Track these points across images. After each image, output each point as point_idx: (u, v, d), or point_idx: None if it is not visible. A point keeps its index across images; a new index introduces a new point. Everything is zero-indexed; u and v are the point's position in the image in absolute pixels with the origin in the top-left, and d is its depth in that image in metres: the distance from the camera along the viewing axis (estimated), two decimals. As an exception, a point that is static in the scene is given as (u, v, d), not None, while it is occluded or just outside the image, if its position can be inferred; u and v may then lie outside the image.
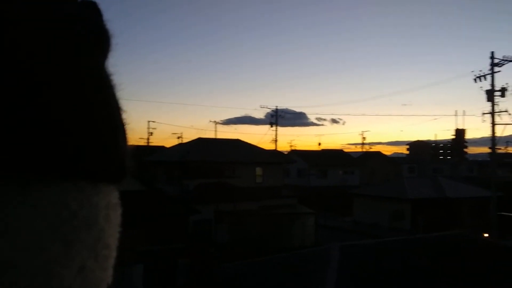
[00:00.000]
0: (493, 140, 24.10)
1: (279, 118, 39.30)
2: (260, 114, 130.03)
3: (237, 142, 30.07)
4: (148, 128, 46.01)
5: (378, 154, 57.44)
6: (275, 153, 33.96)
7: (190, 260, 13.89)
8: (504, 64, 24.10)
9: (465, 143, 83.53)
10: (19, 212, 0.28)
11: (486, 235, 21.81)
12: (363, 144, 69.60)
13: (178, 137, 53.16)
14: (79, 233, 0.30)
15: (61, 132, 0.29)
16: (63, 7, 0.32)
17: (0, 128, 0.26)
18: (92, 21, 0.34)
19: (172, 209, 17.13)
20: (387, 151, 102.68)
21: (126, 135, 0.34)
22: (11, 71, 0.27)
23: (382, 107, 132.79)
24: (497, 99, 23.99)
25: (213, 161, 25.23)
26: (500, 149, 28.21)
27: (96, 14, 0.36)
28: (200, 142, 28.38)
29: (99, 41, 0.34)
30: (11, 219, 0.27)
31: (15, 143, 0.27)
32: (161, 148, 39.99)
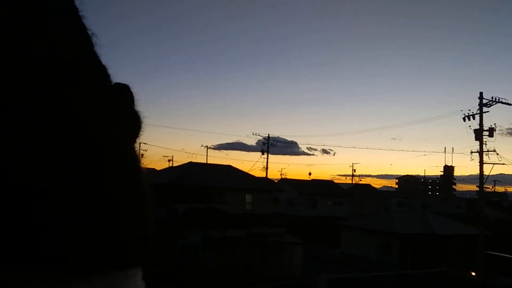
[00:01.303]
0: (481, 179, 24.43)
1: (270, 146, 39.54)
2: (251, 141, 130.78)
3: (228, 168, 30.10)
4: (140, 150, 45.89)
5: (368, 186, 57.68)
6: (265, 180, 33.97)
7: (176, 286, 13.69)
8: (492, 105, 24.70)
9: (454, 180, 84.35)
10: None
11: (473, 273, 21.78)
12: (353, 176, 70.02)
13: (169, 160, 53.04)
14: None
15: (95, 227, 0.29)
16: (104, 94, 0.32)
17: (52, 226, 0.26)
18: (125, 106, 0.34)
19: (160, 233, 16.96)
20: (377, 184, 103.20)
21: (152, 215, 0.35)
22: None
23: (372, 140, 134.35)
24: (485, 138, 24.46)
25: (203, 186, 25.16)
26: (488, 187, 28.60)
27: (130, 98, 0.36)
28: (191, 166, 28.35)
29: (134, 129, 0.35)
30: None
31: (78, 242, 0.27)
32: (152, 170, 39.82)
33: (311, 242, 30.16)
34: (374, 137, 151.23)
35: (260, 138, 40.80)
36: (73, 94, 0.31)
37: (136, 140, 0.36)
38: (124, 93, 0.36)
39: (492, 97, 24.68)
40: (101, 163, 0.31)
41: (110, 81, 0.37)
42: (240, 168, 32.07)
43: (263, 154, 39.33)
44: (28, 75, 0.29)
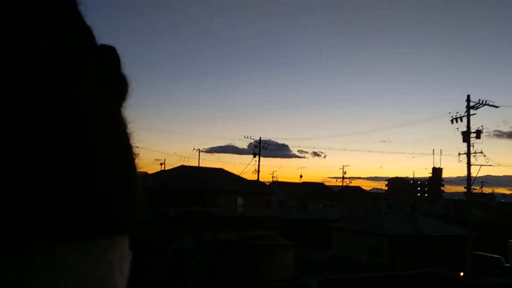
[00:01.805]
0: (469, 180, 24.83)
1: (262, 149, 39.68)
2: (243, 144, 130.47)
3: (220, 171, 30.15)
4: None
5: (358, 189, 58.11)
6: (257, 183, 34.07)
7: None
8: (479, 107, 25.13)
9: (442, 182, 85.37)
10: (47, 277, 0.28)
11: (461, 273, 22.13)
12: (343, 178, 70.47)
13: (161, 164, 52.85)
14: None
15: (84, 193, 0.29)
16: (84, 53, 0.32)
17: (21, 195, 0.26)
18: (112, 69, 0.34)
19: (152, 237, 16.97)
20: (367, 186, 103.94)
21: (139, 183, 0.35)
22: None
23: (362, 142, 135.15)
24: (472, 140, 24.88)
25: (195, 189, 25.18)
26: (475, 189, 29.04)
27: (116, 61, 0.35)
28: (183, 170, 28.35)
29: (119, 92, 0.34)
30: (39, 284, 0.28)
31: (39, 209, 0.27)
32: (143, 174, 39.65)
33: (302, 244, 30.30)
34: (364, 139, 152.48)
35: (252, 141, 40.95)
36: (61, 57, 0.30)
37: (124, 103, 0.35)
38: (111, 56, 0.35)
39: (479, 100, 25.13)
40: (87, 128, 0.30)
41: (95, 43, 0.36)
42: (231, 171, 32.13)
43: (254, 157, 39.46)
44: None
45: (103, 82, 0.33)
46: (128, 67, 0.36)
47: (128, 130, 0.34)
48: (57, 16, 0.33)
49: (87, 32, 0.35)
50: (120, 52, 0.36)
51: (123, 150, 0.33)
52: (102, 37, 0.36)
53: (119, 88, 0.34)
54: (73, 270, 0.29)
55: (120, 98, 0.35)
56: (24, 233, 0.27)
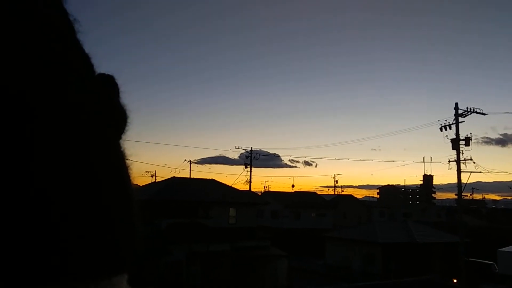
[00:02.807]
0: (459, 187, 24.95)
1: (253, 159, 39.58)
2: (234, 155, 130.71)
3: (211, 182, 29.97)
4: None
5: (350, 197, 58.18)
6: (249, 194, 33.91)
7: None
8: (467, 115, 25.38)
9: (433, 189, 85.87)
10: None
11: (455, 280, 22.13)
12: (335, 187, 70.55)
13: (152, 176, 52.45)
14: None
15: (88, 234, 0.27)
16: (85, 85, 0.30)
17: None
18: (111, 100, 0.32)
19: (143, 250, 16.71)
20: (359, 194, 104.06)
21: (139, 218, 0.33)
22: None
23: (353, 151, 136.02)
24: (462, 147, 25.06)
25: (187, 200, 24.96)
26: (466, 195, 29.22)
27: (115, 91, 0.34)
28: (174, 181, 28.13)
29: (119, 124, 0.33)
30: None
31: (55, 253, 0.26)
32: (134, 186, 39.27)
33: (295, 254, 30.13)
34: (355, 148, 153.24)
35: (243, 151, 40.81)
36: (63, 89, 0.29)
37: (123, 135, 0.34)
38: (109, 85, 0.34)
39: (467, 108, 25.38)
40: (90, 163, 0.29)
41: (94, 72, 0.34)
42: (223, 182, 31.96)
43: (246, 167, 39.32)
44: (19, 73, 0.27)
45: (103, 114, 0.31)
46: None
47: (127, 163, 0.33)
48: (58, 48, 0.31)
49: (87, 62, 0.33)
50: (118, 78, 0.35)
51: (125, 186, 0.31)
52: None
53: (118, 119, 0.33)
54: None
55: (120, 130, 0.33)
56: (24, 280, 0.26)
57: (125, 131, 0.34)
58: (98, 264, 0.29)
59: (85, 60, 0.34)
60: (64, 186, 0.27)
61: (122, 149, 0.33)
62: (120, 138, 0.34)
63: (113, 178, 0.31)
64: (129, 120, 0.34)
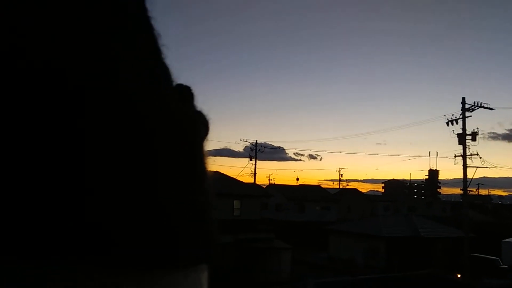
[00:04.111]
0: (465, 182, 24.86)
1: (258, 152, 39.62)
2: (239, 148, 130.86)
3: (216, 174, 30.03)
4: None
5: (355, 191, 58.18)
6: (253, 186, 34.01)
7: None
8: (475, 109, 25.20)
9: (438, 184, 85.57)
10: None
11: (458, 275, 22.12)
12: (340, 180, 70.53)
13: (156, 167, 52.67)
14: None
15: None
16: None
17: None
18: (192, 109, 0.34)
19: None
20: (363, 188, 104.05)
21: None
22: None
23: (358, 145, 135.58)
24: (468, 142, 24.93)
25: (191, 192, 25.07)
26: (471, 191, 29.14)
27: (193, 100, 0.36)
28: (179, 173, 28.24)
29: (204, 130, 0.34)
30: None
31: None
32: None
33: (299, 247, 30.24)
34: (360, 142, 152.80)
35: (248, 144, 40.80)
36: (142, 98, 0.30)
37: (206, 140, 0.35)
38: (188, 95, 0.35)
39: (474, 102, 25.18)
40: (175, 165, 0.30)
41: (172, 82, 0.36)
42: (228, 174, 32.04)
43: (251, 160, 39.36)
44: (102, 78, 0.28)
45: (186, 121, 0.32)
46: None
47: (207, 165, 0.34)
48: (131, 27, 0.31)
49: (157, 44, 0.34)
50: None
51: (205, 182, 0.33)
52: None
53: (201, 125, 0.34)
54: None
55: (203, 135, 0.34)
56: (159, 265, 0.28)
57: (207, 134, 0.35)
58: (199, 252, 0.31)
59: (167, 71, 0.35)
60: (176, 184, 0.30)
61: (203, 152, 0.34)
62: (203, 141, 0.35)
63: (198, 177, 0.32)
64: (209, 125, 0.35)
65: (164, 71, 0.34)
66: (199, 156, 0.34)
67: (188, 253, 0.31)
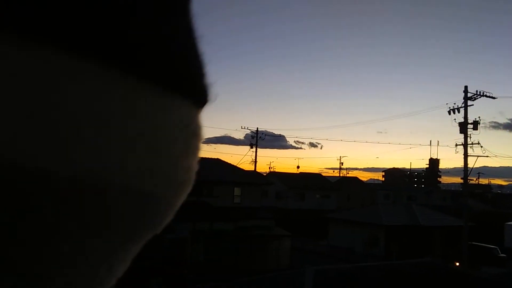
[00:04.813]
0: (466, 171, 24.85)
1: (259, 139, 39.58)
2: (240, 135, 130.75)
3: (217, 162, 30.07)
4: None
5: (355, 179, 58.23)
6: (254, 174, 34.05)
7: (163, 279, 13.71)
8: (477, 98, 25.06)
9: (439, 173, 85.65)
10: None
11: (457, 263, 22.25)
12: (340, 169, 70.51)
13: (157, 154, 52.69)
14: (190, 142, 0.29)
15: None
16: None
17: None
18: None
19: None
20: (364, 177, 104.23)
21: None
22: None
23: (359, 133, 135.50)
24: (469, 131, 24.86)
25: (192, 179, 25.10)
26: (472, 180, 29.16)
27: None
28: (180, 160, 28.25)
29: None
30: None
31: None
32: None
33: (299, 234, 30.39)
34: (361, 130, 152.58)
35: (249, 132, 40.75)
36: None
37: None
38: None
39: (476, 91, 25.03)
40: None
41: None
42: (228, 162, 32.10)
43: (251, 147, 39.34)
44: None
45: None
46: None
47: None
48: None
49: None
50: None
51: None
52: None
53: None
54: (178, 122, 0.28)
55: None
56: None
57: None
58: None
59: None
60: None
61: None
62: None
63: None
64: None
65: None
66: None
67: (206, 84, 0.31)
